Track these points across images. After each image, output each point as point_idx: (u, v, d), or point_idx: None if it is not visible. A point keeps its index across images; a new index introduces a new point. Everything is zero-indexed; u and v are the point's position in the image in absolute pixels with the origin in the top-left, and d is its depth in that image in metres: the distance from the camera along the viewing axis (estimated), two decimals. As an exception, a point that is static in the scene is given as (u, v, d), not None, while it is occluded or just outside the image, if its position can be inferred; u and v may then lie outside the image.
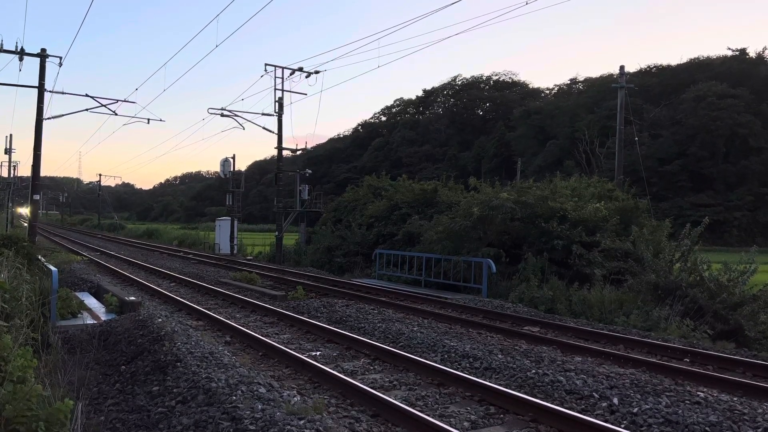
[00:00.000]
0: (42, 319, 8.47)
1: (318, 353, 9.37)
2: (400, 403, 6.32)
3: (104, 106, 24.74)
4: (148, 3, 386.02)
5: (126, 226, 76.39)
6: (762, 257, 16.22)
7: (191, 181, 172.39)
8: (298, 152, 34.96)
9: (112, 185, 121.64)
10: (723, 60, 68.14)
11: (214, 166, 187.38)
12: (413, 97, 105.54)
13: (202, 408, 5.74)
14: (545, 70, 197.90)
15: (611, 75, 66.91)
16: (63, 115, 32.06)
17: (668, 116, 61.97)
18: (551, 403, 6.45)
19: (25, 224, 31.22)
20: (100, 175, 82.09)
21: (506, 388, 7.06)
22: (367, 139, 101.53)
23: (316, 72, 27.64)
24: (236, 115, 29.21)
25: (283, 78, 28.01)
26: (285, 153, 30.64)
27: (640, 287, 13.16)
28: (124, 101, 25.21)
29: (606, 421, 6.08)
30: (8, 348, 4.83)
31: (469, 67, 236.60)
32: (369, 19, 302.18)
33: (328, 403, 6.60)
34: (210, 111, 28.35)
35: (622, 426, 6.01)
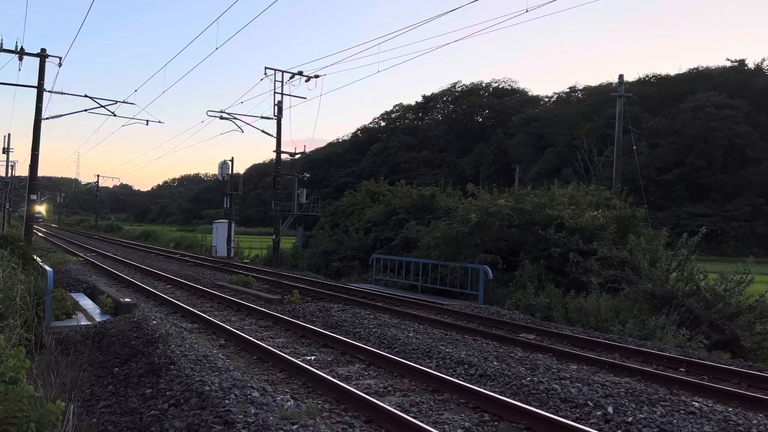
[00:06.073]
0: (36, 319, 8.45)
1: (313, 358, 9.34)
2: (394, 409, 6.30)
3: (103, 107, 24.65)
4: (148, 4, 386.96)
5: (123, 227, 76.32)
6: (758, 267, 16.23)
7: (189, 183, 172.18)
8: (297, 156, 34.99)
9: (110, 186, 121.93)
10: (722, 70, 68.44)
11: (212, 169, 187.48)
12: (412, 103, 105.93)
13: (195, 411, 5.71)
14: (544, 78, 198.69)
15: (610, 84, 67.05)
16: (62, 116, 31.45)
17: (666, 126, 62.16)
18: (546, 411, 6.43)
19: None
20: (98, 176, 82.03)
21: (501, 395, 7.04)
22: (366, 144, 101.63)
23: (316, 76, 27.68)
24: (235, 118, 29.18)
25: (282, 82, 28.06)
26: (284, 157, 30.66)
27: (637, 296, 13.16)
28: (123, 102, 25.09)
29: (600, 430, 6.07)
30: (1, 348, 4.81)
31: (469, 74, 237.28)
32: (369, 24, 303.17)
33: (321, 408, 6.57)
34: (209, 113, 28.32)
35: (617, 435, 6.00)
